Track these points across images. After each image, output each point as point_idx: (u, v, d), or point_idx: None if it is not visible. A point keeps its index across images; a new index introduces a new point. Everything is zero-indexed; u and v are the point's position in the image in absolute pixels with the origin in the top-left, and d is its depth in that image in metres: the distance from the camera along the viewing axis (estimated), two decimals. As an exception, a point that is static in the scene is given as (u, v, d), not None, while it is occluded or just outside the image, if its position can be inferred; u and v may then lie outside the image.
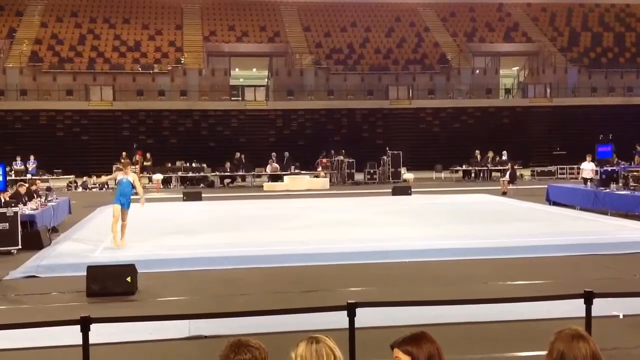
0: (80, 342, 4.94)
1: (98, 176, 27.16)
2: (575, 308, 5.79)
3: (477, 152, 32.67)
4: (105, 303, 8.50)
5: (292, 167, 31.48)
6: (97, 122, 36.26)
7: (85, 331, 4.93)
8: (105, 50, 40.32)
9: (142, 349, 6.77)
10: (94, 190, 29.20)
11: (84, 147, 35.26)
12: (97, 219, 17.97)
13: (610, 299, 7.24)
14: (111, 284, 8.91)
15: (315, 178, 30.61)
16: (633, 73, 41.53)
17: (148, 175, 30.38)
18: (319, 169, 31.75)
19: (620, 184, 17.82)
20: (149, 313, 7.40)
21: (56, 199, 17.43)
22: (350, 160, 31.40)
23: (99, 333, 5.46)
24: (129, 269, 9.11)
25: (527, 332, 6.92)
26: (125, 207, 13.10)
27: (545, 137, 38.04)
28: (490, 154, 32.70)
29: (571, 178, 31.17)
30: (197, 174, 31.01)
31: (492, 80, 41.85)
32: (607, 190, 17.65)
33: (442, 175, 33.22)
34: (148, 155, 31.33)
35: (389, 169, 31.74)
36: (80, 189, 29.24)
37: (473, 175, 32.71)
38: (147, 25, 42.92)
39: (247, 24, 44.05)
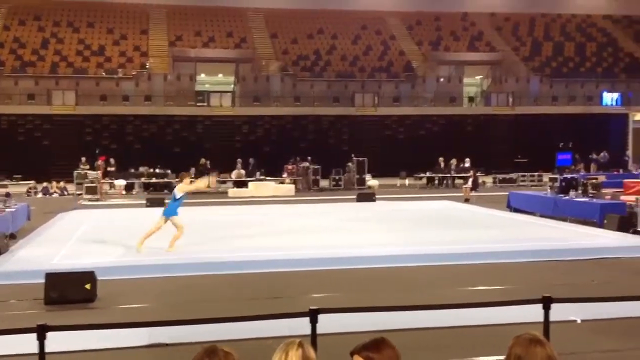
0: (37, 351, 4.85)
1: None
2: (534, 313, 5.88)
3: (441, 159, 33.01)
4: (64, 311, 8.35)
5: (258, 173, 31.39)
6: (59, 127, 35.65)
7: (41, 339, 4.84)
8: (69, 55, 39.72)
9: (100, 358, 6.66)
10: (54, 196, 28.69)
11: (46, 152, 34.63)
12: (57, 226, 17.65)
13: (569, 304, 7.36)
14: (70, 291, 8.76)
15: (280, 184, 30.57)
16: (593, 83, 42.45)
17: (110, 180, 29.97)
18: (285, 175, 31.72)
19: (579, 191, 18.18)
20: (108, 320, 7.29)
21: (15, 204, 17.06)
22: (316, 167, 31.43)
23: (56, 341, 5.36)
24: (88, 276, 8.98)
25: (487, 336, 7.00)
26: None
27: (507, 144, 38.64)
28: (454, 161, 33.07)
29: (532, 185, 31.69)
30: (161, 180, 30.68)
31: (456, 88, 42.34)
32: (567, 197, 18.00)
33: (407, 182, 33.46)
34: (111, 160, 30.92)
35: (354, 175, 31.85)
36: (40, 195, 28.70)
37: (437, 182, 33.03)
38: (112, 30, 42.43)
39: (214, 30, 43.87)
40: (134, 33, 42.68)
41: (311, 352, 2.79)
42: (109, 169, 30.04)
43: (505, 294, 9.03)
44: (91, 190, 26.62)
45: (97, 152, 28.46)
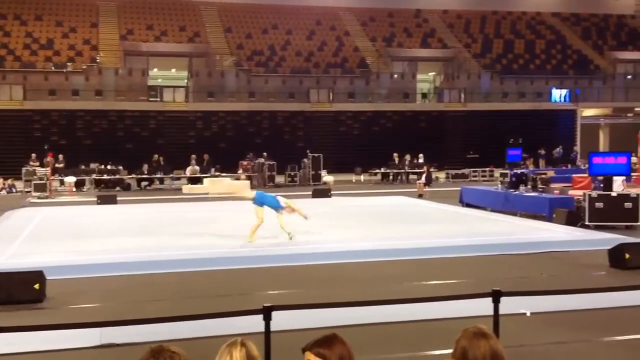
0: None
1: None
2: (485, 306, 5.97)
3: (396, 155, 33.33)
4: (12, 311, 8.14)
5: (213, 169, 31.12)
6: (6, 122, 34.67)
7: (-14, 342, 4.71)
8: (16, 48, 38.66)
9: (50, 359, 6.51)
10: (2, 193, 27.90)
11: (-8, 149, 33.68)
12: (4, 224, 17.18)
13: (518, 297, 7.51)
14: (18, 291, 8.53)
15: (235, 180, 30.38)
16: (542, 79, 43.42)
17: (60, 177, 29.31)
18: (240, 171, 31.55)
19: (529, 186, 18.59)
20: (57, 321, 7.13)
21: (-40, 202, 16.54)
22: (272, 163, 31.37)
23: (4, 343, 5.22)
24: (37, 275, 8.75)
25: (439, 330, 7.09)
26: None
27: (459, 140, 39.24)
28: (408, 157, 33.43)
29: (483, 180, 32.27)
30: (112, 177, 30.13)
31: (410, 84, 42.78)
32: (517, 192, 18.39)
33: (362, 177, 33.68)
34: (60, 157, 30.24)
35: (309, 171, 31.90)
36: (-13, 192, 27.87)
37: (391, 177, 33.34)
38: (61, 23, 41.45)
39: (166, 24, 43.27)
40: (84, 26, 41.79)
41: (254, 350, 2.80)
42: (57, 165, 29.36)
43: (458, 288, 9.17)
44: (40, 188, 26.00)
45: (45, 147, 27.80)
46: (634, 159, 24.78)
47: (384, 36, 45.77)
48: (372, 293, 8.81)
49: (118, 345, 6.70)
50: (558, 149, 38.18)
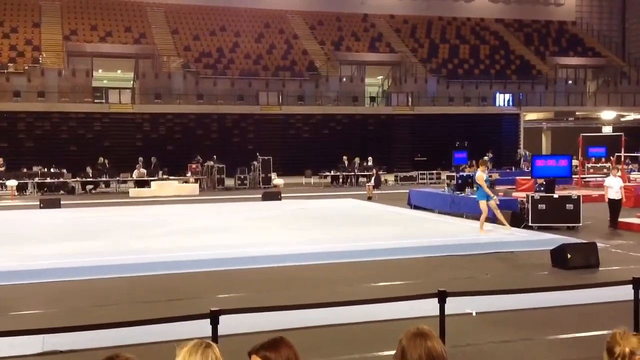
0: None
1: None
2: (432, 307, 6.06)
3: (345, 157, 33.54)
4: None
5: (160, 172, 30.69)
6: (-57, 124, 33.46)
7: None
8: (-47, 48, 37.35)
9: (-11, 368, 6.32)
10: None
11: None
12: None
13: (464, 297, 7.64)
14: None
15: (184, 184, 30.04)
16: (487, 84, 44.34)
17: (1, 181, 28.42)
18: (189, 174, 31.22)
19: (475, 189, 18.92)
20: (-2, 329, 6.91)
21: None
22: (221, 166, 31.13)
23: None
24: (-24, 282, 8.48)
25: (386, 331, 7.15)
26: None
27: (407, 143, 39.72)
28: (357, 160, 33.69)
29: (431, 183, 32.76)
30: (56, 180, 29.38)
31: (358, 88, 43.06)
32: (463, 194, 18.73)
33: (312, 180, 33.76)
34: (0, 160, 29.31)
35: (259, 174, 31.79)
36: None
37: (341, 180, 33.53)
38: (2, 23, 40.23)
39: (111, 24, 42.46)
40: (26, 26, 40.67)
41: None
42: (-2, 168, 28.51)
43: (405, 289, 9.27)
44: (-21, 192, 25.16)
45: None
46: (574, 162, 25.56)
47: (332, 40, 45.98)
48: (321, 295, 8.83)
49: (62, 352, 6.54)
50: (524, 151, 39.58)
